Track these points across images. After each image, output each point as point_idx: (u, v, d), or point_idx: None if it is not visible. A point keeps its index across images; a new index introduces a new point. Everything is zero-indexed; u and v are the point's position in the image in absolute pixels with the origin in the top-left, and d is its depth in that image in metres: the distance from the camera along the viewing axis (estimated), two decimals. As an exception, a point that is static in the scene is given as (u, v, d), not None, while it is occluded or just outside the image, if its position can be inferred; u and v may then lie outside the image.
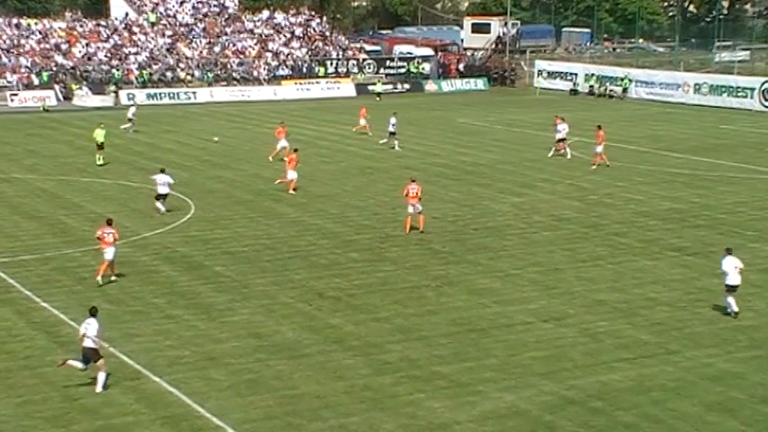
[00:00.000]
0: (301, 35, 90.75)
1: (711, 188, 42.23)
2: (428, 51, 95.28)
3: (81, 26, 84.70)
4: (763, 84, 72.67)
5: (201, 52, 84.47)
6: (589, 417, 19.17)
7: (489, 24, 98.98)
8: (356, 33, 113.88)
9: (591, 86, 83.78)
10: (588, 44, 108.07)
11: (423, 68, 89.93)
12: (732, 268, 24.99)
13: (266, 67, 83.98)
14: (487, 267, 29.51)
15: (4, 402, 19.59)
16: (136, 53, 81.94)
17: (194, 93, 77.45)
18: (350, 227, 34.53)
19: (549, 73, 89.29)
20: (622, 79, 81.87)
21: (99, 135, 46.79)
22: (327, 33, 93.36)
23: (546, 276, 28.67)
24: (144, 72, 78.99)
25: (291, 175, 40.11)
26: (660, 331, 24.04)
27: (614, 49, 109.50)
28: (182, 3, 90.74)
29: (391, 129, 51.91)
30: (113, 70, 78.33)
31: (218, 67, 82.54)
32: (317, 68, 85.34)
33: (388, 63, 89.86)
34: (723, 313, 25.18)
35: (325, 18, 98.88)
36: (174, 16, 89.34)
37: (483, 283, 27.96)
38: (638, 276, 28.76)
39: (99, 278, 27.34)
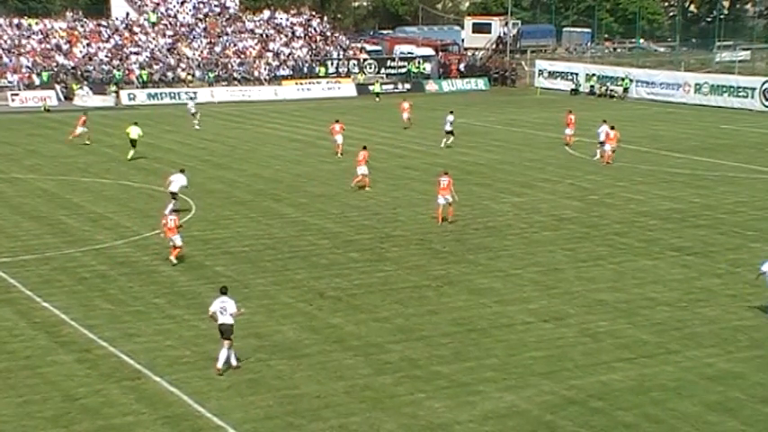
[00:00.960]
0: (302, 35, 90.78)
1: (712, 188, 42.21)
2: (429, 51, 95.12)
3: (82, 26, 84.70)
4: (763, 84, 72.65)
5: (202, 52, 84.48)
6: (589, 417, 19.18)
7: (490, 24, 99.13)
8: (357, 33, 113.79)
9: (592, 86, 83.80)
10: (589, 44, 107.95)
11: (423, 68, 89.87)
12: None
13: (267, 67, 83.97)
14: (488, 267, 29.51)
15: (5, 402, 19.60)
16: (137, 53, 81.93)
17: (195, 93, 77.47)
18: (350, 227, 34.53)
19: (549, 73, 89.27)
20: (623, 79, 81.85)
21: (132, 131, 47.45)
22: (328, 33, 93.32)
23: (546, 276, 28.68)
24: (144, 72, 79.03)
25: (362, 170, 40.49)
26: (660, 331, 24.04)
27: (615, 49, 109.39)
28: (182, 3, 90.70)
29: (448, 127, 52.38)
30: (114, 70, 78.34)
31: (219, 68, 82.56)
32: (317, 68, 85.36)
33: (388, 63, 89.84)
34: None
35: (325, 18, 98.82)
36: (175, 16, 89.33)
37: (483, 282, 27.97)
38: (639, 276, 28.75)
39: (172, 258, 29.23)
